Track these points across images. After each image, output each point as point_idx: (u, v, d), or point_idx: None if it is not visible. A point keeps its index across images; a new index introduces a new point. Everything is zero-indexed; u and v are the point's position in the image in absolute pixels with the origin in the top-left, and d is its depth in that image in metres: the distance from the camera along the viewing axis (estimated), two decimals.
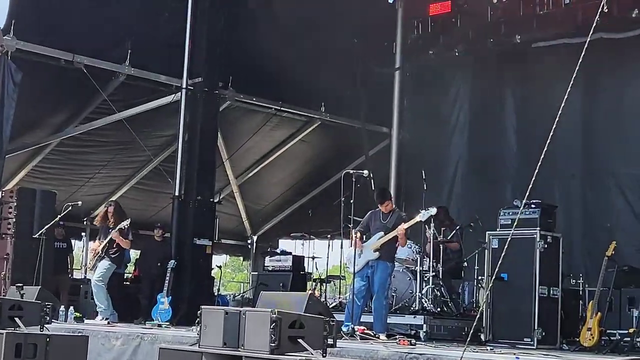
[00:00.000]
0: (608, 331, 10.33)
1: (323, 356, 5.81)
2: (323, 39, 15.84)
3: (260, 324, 5.89)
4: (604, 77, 14.53)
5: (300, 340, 5.87)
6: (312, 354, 5.77)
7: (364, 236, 10.63)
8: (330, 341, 6.01)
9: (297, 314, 6.07)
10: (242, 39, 15.77)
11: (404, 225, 10.36)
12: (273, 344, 5.77)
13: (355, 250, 10.48)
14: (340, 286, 15.39)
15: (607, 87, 14.59)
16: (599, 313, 10.14)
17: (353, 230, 10.73)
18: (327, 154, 18.82)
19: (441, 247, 12.40)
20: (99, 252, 13.13)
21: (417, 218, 10.51)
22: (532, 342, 10.10)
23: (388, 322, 11.42)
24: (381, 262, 10.46)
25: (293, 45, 16.09)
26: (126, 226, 13.04)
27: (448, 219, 13.15)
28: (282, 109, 17.30)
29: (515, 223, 7.86)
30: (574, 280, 12.38)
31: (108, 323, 12.45)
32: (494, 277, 8.42)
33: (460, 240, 12.92)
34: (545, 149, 6.22)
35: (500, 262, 6.81)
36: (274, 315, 5.83)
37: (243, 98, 16.72)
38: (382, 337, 10.03)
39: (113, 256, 13.12)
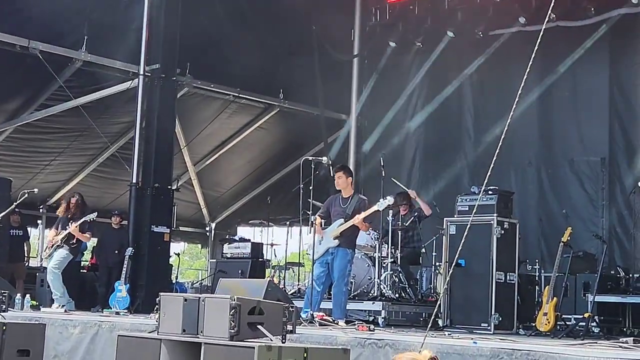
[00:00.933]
0: (564, 316, 10.44)
1: (282, 342, 5.80)
2: (282, 26, 15.81)
3: (220, 310, 5.86)
4: (559, 65, 14.68)
5: (259, 327, 5.85)
6: (271, 340, 5.77)
7: (323, 222, 10.62)
8: (289, 327, 6.01)
9: (256, 300, 6.06)
10: (200, 25, 15.67)
11: (360, 216, 10.35)
12: (232, 331, 5.75)
13: (314, 237, 10.47)
14: (299, 273, 15.42)
15: (562, 75, 14.74)
16: (554, 298, 10.25)
17: (313, 216, 10.69)
18: (285, 141, 18.82)
19: (399, 233, 12.45)
20: (57, 242, 13.02)
21: (375, 207, 10.49)
22: (489, 327, 10.21)
23: (347, 308, 11.48)
24: (341, 249, 10.45)
25: (251, 31, 16.07)
26: (92, 219, 12.96)
27: (408, 204, 13.19)
28: (240, 95, 17.24)
29: (475, 210, 7.91)
30: (530, 266, 12.54)
31: (65, 311, 12.36)
32: (453, 264, 8.47)
33: (418, 226, 12.99)
34: (502, 136, 6.26)
35: (460, 248, 6.86)
36: (233, 302, 5.81)
37: (201, 84, 16.63)
38: (341, 323, 10.06)
39: (72, 246, 13.04)
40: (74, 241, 13.07)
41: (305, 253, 12.42)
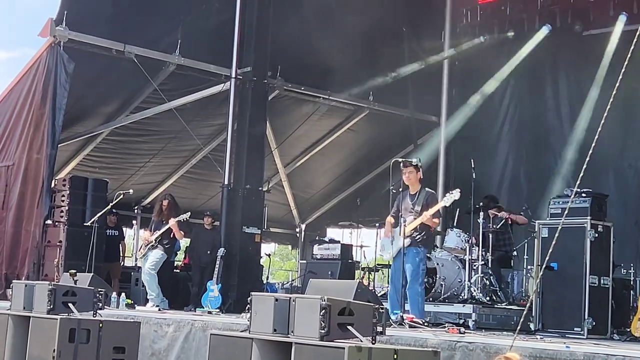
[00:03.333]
0: None
1: (372, 343, 5.82)
2: (372, 28, 15.82)
3: (310, 310, 5.91)
4: None
5: (349, 327, 5.88)
6: (361, 341, 5.79)
7: (395, 221, 10.48)
8: (379, 328, 6.01)
9: (346, 301, 6.08)
10: (291, 28, 15.80)
11: (428, 213, 10.20)
12: (323, 331, 5.79)
13: (392, 236, 10.36)
14: (388, 275, 15.37)
15: None
16: None
17: (389, 217, 10.53)
18: (375, 143, 18.82)
19: (490, 236, 12.33)
20: (151, 242, 13.35)
21: (442, 203, 10.31)
22: (582, 332, 10.01)
23: (437, 310, 11.41)
24: (411, 248, 10.27)
25: (342, 34, 16.12)
26: (186, 218, 13.27)
27: (497, 207, 13.05)
28: (330, 98, 17.32)
29: (569, 212, 7.78)
30: (625, 270, 12.26)
31: (159, 310, 12.61)
32: (544, 267, 8.34)
33: (509, 229, 12.85)
34: (596, 137, 6.16)
35: (551, 250, 6.75)
36: (324, 302, 5.85)
37: (291, 87, 16.79)
38: None
39: (167, 246, 13.35)
40: (167, 241, 13.39)
41: (380, 254, 12.28)
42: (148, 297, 13.37)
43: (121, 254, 16.72)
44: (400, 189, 10.53)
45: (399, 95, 17.25)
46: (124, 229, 17.72)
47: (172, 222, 13.27)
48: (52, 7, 14.03)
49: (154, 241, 13.36)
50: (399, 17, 16.17)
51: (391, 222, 10.45)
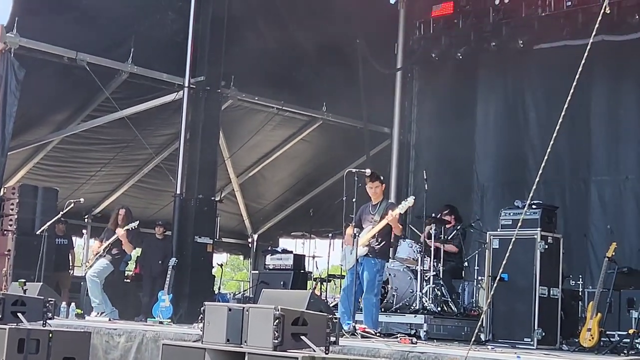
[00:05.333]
0: (607, 332, 10.34)
1: (326, 353, 5.83)
2: (325, 39, 15.87)
3: (264, 320, 5.91)
4: (611, 79, 14.60)
5: (303, 337, 5.89)
6: (315, 351, 5.80)
7: (356, 232, 10.51)
8: (332, 338, 6.04)
9: (300, 311, 6.10)
10: (245, 38, 15.80)
11: (382, 222, 10.26)
12: (276, 341, 5.80)
13: (352, 246, 10.39)
14: (340, 285, 15.41)
15: (615, 90, 14.65)
16: (599, 314, 10.16)
17: (349, 227, 10.59)
18: (328, 154, 18.87)
19: (442, 247, 12.42)
20: (99, 252, 13.26)
21: (397, 210, 10.42)
22: (532, 342, 10.12)
23: (389, 321, 11.44)
24: (368, 258, 10.34)
25: (295, 44, 16.15)
26: (134, 227, 13.17)
27: (456, 218, 13.14)
28: (283, 108, 17.33)
29: (520, 224, 7.87)
30: (573, 281, 12.42)
31: (109, 320, 12.50)
32: (497, 278, 8.41)
33: (462, 241, 12.95)
34: (548, 149, 6.25)
35: (504, 262, 6.83)
36: (277, 312, 5.86)
37: (245, 97, 16.75)
38: None
39: (116, 257, 13.27)
40: (117, 251, 13.27)
41: (341, 264, 12.32)
42: (92, 305, 13.23)
43: (70, 263, 16.54)
44: (354, 200, 10.56)
45: (352, 107, 17.31)
46: (74, 238, 17.53)
47: (120, 232, 13.14)
48: (3, 14, 13.85)
49: (101, 251, 13.27)
50: (353, 28, 16.22)
51: (350, 233, 10.47)
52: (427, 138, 17.08)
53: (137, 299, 15.19)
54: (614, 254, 10.58)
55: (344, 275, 14.78)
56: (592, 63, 6.69)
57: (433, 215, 12.82)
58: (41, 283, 9.57)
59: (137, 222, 13.38)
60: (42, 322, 8.09)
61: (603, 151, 14.81)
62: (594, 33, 7.17)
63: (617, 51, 14.19)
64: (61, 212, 14.07)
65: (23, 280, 8.91)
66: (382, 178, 10.80)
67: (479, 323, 7.47)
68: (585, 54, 6.51)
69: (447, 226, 12.87)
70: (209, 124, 15.38)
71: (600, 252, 12.79)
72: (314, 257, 16.44)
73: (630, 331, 10.16)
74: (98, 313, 12.96)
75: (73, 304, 13.37)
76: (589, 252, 14.13)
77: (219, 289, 16.64)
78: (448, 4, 16.07)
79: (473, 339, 6.94)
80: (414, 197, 10.72)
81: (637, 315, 10.65)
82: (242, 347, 6.01)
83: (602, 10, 6.94)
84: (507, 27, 15.31)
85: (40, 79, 14.66)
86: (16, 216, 14.17)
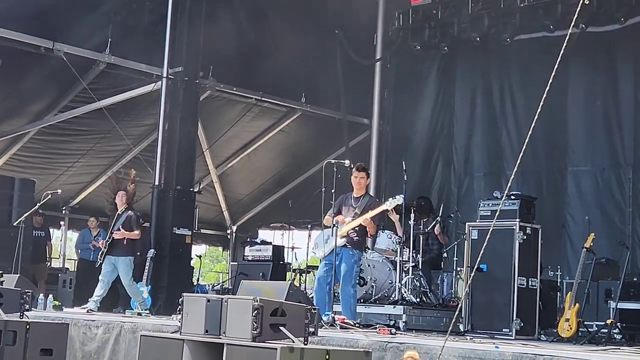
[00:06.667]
0: (585, 322, 10.39)
1: (305, 344, 5.82)
2: (304, 30, 15.83)
3: (242, 311, 5.89)
4: (588, 71, 14.68)
5: (282, 328, 5.88)
6: (293, 342, 5.79)
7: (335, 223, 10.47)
8: (311, 329, 6.02)
9: (278, 302, 6.08)
10: (223, 29, 15.73)
11: (368, 215, 10.27)
12: (255, 332, 5.77)
13: (327, 234, 10.36)
14: None
15: (592, 81, 14.74)
16: (577, 304, 10.20)
17: (329, 215, 10.54)
18: (307, 145, 18.85)
19: (421, 238, 12.42)
20: (105, 247, 13.03)
21: (384, 206, 10.35)
22: (510, 333, 10.15)
23: (368, 312, 11.44)
24: (346, 249, 10.31)
25: (274, 35, 16.11)
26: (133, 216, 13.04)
27: (430, 211, 13.17)
28: (262, 99, 17.29)
29: (497, 214, 7.88)
30: (551, 272, 12.47)
31: (87, 312, 12.42)
32: (475, 269, 8.43)
33: (445, 232, 12.97)
34: (526, 140, 6.26)
35: (482, 252, 6.83)
36: (256, 303, 5.84)
37: (223, 88, 16.71)
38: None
39: (128, 248, 13.07)
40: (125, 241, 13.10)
41: (312, 251, 12.27)
42: (139, 304, 13.07)
43: (48, 255, 16.43)
44: (333, 191, 10.53)
45: (331, 97, 17.30)
46: (51, 229, 17.43)
47: (117, 234, 12.93)
48: None
49: (102, 247, 13.09)
50: (332, 18, 16.19)
51: (329, 221, 10.43)
52: (405, 129, 17.10)
53: (115, 291, 15.09)
54: (592, 244, 10.62)
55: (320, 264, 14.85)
56: (570, 54, 6.67)
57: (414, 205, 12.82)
58: (18, 275, 9.50)
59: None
60: (19, 313, 8.03)
61: (580, 142, 14.90)
62: (572, 24, 7.19)
63: (594, 42, 14.27)
64: (38, 204, 13.97)
65: (0, 271, 8.83)
66: (369, 172, 10.76)
67: (457, 313, 7.45)
68: (564, 45, 6.50)
69: (424, 219, 12.87)
70: (187, 115, 15.30)
71: (577, 242, 12.85)
72: (293, 248, 16.41)
73: (608, 321, 10.24)
74: (143, 309, 12.84)
75: (51, 296, 13.28)
76: (566, 243, 14.21)
77: (198, 281, 16.56)
78: None
79: (450, 329, 6.94)
80: (402, 196, 10.72)
81: (615, 306, 10.73)
82: (220, 338, 5.99)
83: (581, 2, 6.94)
84: (487, 17, 15.33)
85: (16, 69, 14.55)
86: None
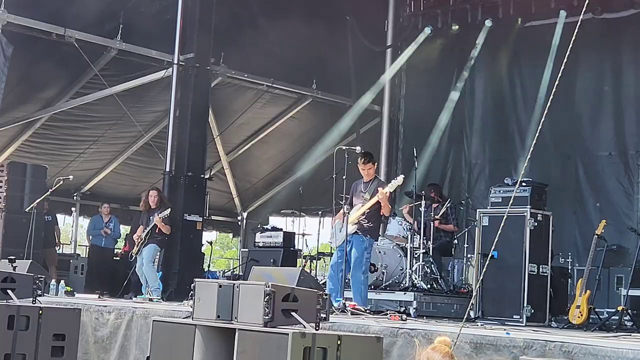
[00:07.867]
0: (596, 309, 10.38)
1: (316, 329, 5.82)
2: (316, 16, 15.81)
3: (254, 296, 5.89)
4: (599, 57, 14.63)
5: (293, 314, 5.88)
6: (305, 327, 5.79)
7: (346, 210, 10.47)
8: (323, 315, 6.02)
9: (290, 287, 6.07)
10: (235, 15, 15.71)
11: (372, 200, 10.26)
12: (266, 317, 5.77)
13: (342, 223, 10.37)
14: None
15: (602, 67, 14.68)
16: (588, 291, 10.19)
17: (345, 206, 10.58)
18: (318, 131, 18.82)
19: (432, 225, 12.43)
20: (142, 240, 13.14)
21: (386, 189, 10.39)
22: (521, 319, 10.16)
23: (378, 298, 11.46)
24: (357, 235, 10.31)
25: (285, 21, 16.08)
26: (167, 215, 13.08)
27: (440, 197, 13.16)
28: (273, 85, 17.27)
29: (512, 201, 7.86)
30: (563, 259, 12.46)
31: (99, 297, 12.47)
32: (488, 256, 8.42)
33: (455, 219, 12.95)
34: (540, 126, 6.25)
35: (496, 239, 6.82)
36: (268, 288, 5.84)
37: (235, 74, 16.70)
38: None
39: (158, 239, 13.15)
40: (157, 234, 13.19)
41: (329, 241, 12.30)
42: (151, 290, 13.14)
43: (57, 240, 16.48)
44: (344, 177, 10.54)
45: (342, 84, 17.27)
46: (63, 215, 17.49)
47: (157, 219, 13.06)
48: None
49: (143, 238, 13.18)
50: (343, 4, 16.16)
51: (344, 211, 10.43)
52: (416, 115, 17.07)
53: (127, 277, 15.16)
54: (603, 231, 10.60)
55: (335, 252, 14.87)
56: (580, 40, 6.64)
57: (424, 192, 12.82)
58: (30, 260, 9.54)
59: (169, 209, 13.23)
60: (32, 299, 8.06)
61: (588, 128, 14.86)
62: (583, 10, 7.17)
63: (604, 28, 14.20)
64: (50, 190, 14.01)
65: (13, 257, 8.87)
66: (374, 158, 10.77)
67: (470, 300, 7.45)
68: (575, 31, 6.48)
69: (434, 205, 12.87)
70: (198, 101, 15.32)
71: (588, 229, 12.82)
72: (303, 234, 16.42)
73: (619, 308, 10.23)
74: (157, 296, 12.90)
75: (62, 282, 13.34)
76: (577, 230, 14.19)
77: (209, 267, 16.58)
78: None
79: (466, 316, 6.94)
80: (403, 176, 10.70)
81: (627, 293, 10.72)
82: (232, 324, 5.99)
83: None
84: (500, 2, 15.29)
85: (28, 55, 14.58)
86: (5, 194, 14.14)
